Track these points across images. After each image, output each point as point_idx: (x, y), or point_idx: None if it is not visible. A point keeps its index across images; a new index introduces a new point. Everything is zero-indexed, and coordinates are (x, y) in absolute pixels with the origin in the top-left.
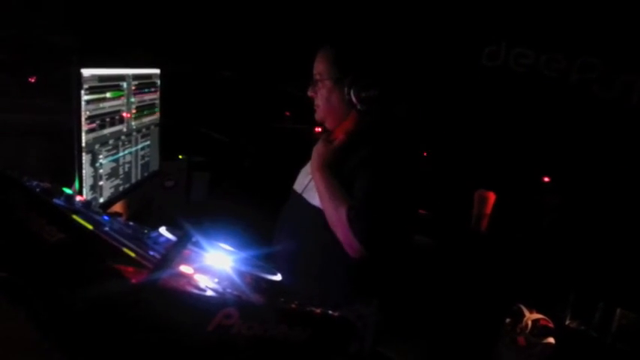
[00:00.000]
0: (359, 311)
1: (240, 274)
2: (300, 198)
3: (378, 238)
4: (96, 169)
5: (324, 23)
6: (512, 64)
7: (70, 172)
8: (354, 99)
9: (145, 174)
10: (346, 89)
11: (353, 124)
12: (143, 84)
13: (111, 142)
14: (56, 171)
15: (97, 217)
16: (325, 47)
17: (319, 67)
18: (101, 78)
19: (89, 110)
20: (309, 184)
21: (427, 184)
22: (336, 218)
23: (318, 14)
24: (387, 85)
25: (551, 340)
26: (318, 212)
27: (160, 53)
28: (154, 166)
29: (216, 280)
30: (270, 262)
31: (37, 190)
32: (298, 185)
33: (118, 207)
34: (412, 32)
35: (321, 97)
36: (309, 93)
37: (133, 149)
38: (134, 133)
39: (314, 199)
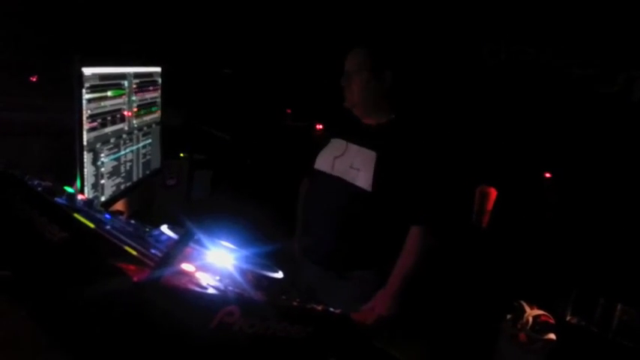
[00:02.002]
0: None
1: (242, 271)
2: (337, 179)
3: (444, 223)
4: (97, 168)
5: (324, 24)
6: (513, 62)
7: (71, 170)
8: (394, 88)
9: (147, 172)
10: (386, 80)
11: (383, 113)
12: (144, 82)
13: (112, 140)
14: (58, 170)
15: (99, 216)
16: (360, 45)
17: (355, 60)
18: (102, 76)
19: (90, 109)
20: (343, 165)
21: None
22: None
23: (318, 15)
24: (417, 77)
25: (552, 336)
26: (360, 191)
27: (161, 51)
28: (156, 164)
29: (217, 277)
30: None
31: (39, 188)
32: (327, 166)
33: (119, 205)
34: (414, 32)
35: (357, 85)
36: (342, 83)
37: (135, 147)
38: (135, 132)
39: (356, 178)
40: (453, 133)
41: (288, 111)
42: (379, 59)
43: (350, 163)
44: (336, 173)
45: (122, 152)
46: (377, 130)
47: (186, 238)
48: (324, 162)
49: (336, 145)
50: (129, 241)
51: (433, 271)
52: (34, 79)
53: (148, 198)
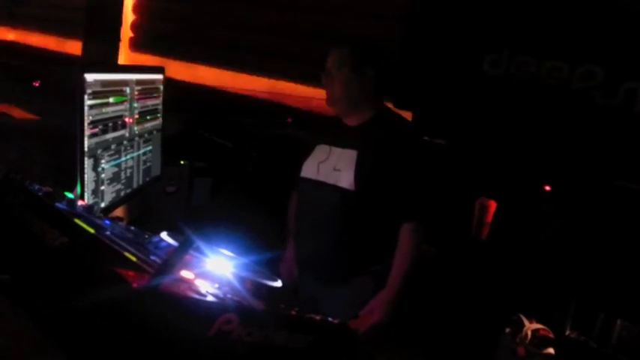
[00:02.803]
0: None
1: (241, 279)
2: (321, 184)
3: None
4: (98, 174)
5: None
6: (514, 72)
7: (72, 176)
8: (375, 86)
9: (147, 179)
10: (367, 77)
11: (366, 111)
12: (146, 89)
13: (113, 146)
14: (58, 175)
15: (99, 222)
16: (340, 44)
17: (335, 59)
18: (104, 83)
19: (92, 115)
20: (326, 169)
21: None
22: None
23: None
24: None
25: (551, 350)
26: (345, 192)
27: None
28: (156, 171)
29: (216, 285)
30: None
31: (40, 194)
32: (312, 172)
33: (119, 212)
34: (415, 38)
35: (338, 84)
36: (323, 81)
37: (135, 154)
38: (136, 138)
39: (338, 180)
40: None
41: (289, 120)
42: (360, 56)
43: (333, 166)
44: (320, 178)
45: (123, 159)
46: (358, 130)
47: (185, 245)
48: (308, 169)
49: (320, 150)
50: (129, 248)
51: (431, 282)
52: (37, 85)
53: (148, 205)
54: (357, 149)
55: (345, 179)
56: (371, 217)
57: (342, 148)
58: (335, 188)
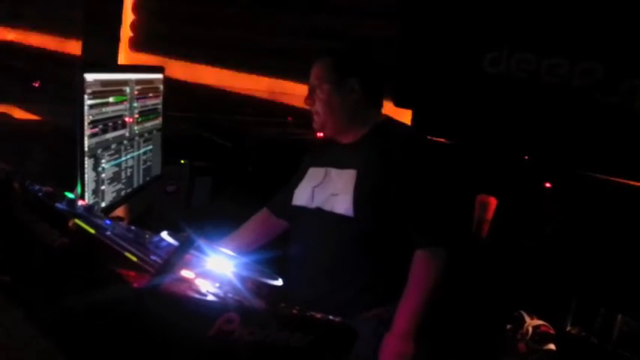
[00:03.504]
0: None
1: (242, 279)
2: (317, 212)
3: (454, 237)
4: (98, 174)
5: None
6: (514, 70)
7: (72, 176)
8: (366, 96)
9: (147, 179)
10: (353, 89)
11: (360, 126)
12: (146, 89)
13: (113, 146)
14: (59, 175)
15: (99, 222)
16: (320, 56)
17: (316, 74)
18: (104, 83)
19: (92, 115)
20: (323, 194)
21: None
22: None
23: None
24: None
25: (552, 346)
26: (343, 219)
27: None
28: (156, 170)
29: (217, 284)
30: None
31: (40, 194)
32: (306, 199)
33: (119, 211)
34: (414, 37)
35: (320, 102)
36: (305, 102)
37: (135, 154)
38: (136, 138)
39: (335, 205)
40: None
41: (290, 119)
42: (340, 67)
43: (331, 190)
44: (315, 205)
45: (123, 158)
46: (355, 146)
47: (186, 244)
48: (302, 195)
49: (314, 174)
50: (129, 247)
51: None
52: (37, 85)
53: (149, 204)
54: (356, 168)
55: (343, 204)
56: (377, 249)
57: (339, 169)
58: (331, 216)
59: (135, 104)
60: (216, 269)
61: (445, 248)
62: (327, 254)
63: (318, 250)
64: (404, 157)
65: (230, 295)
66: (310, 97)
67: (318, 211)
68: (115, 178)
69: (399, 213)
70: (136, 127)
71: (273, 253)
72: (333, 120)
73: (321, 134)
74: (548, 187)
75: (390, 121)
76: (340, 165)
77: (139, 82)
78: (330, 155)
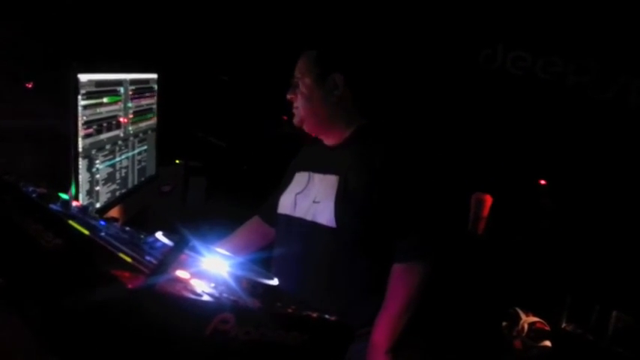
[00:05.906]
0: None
1: (237, 278)
2: (298, 221)
3: (435, 250)
4: (92, 175)
5: (323, 27)
6: (509, 67)
7: (66, 177)
8: (354, 94)
9: (142, 179)
10: (336, 85)
11: (343, 126)
12: (140, 89)
13: (107, 147)
14: (53, 176)
15: (94, 223)
16: (306, 50)
17: (300, 67)
18: (98, 83)
19: (86, 115)
20: (304, 202)
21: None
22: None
23: (318, 18)
24: (374, 83)
25: (548, 343)
26: (325, 230)
27: (157, 57)
28: (151, 171)
29: (212, 284)
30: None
31: (34, 195)
32: (289, 207)
33: (114, 212)
34: (408, 34)
35: (301, 97)
36: (288, 95)
37: (130, 154)
38: (131, 138)
39: (316, 214)
40: (437, 140)
41: (285, 118)
42: (323, 62)
43: (313, 198)
44: (297, 214)
45: (117, 159)
46: (338, 149)
47: (181, 244)
48: (285, 203)
49: (299, 179)
50: (123, 248)
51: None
52: (30, 86)
53: (143, 205)
54: (338, 174)
55: (324, 213)
56: (363, 261)
57: (322, 174)
58: (313, 226)
59: (129, 104)
60: (211, 269)
61: (425, 263)
62: (310, 268)
63: (303, 263)
64: (385, 165)
65: (225, 295)
66: (292, 91)
67: (300, 221)
68: (109, 179)
69: (381, 224)
70: (130, 128)
71: (268, 254)
72: (312, 116)
73: (308, 133)
74: (543, 184)
75: (375, 124)
76: (323, 170)
77: (133, 82)
78: (314, 158)
